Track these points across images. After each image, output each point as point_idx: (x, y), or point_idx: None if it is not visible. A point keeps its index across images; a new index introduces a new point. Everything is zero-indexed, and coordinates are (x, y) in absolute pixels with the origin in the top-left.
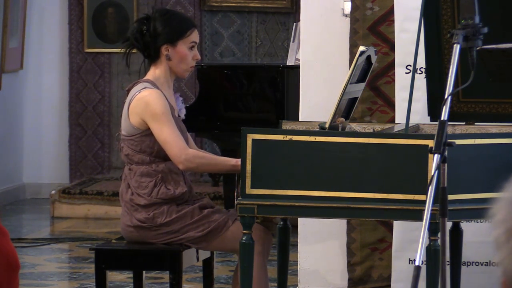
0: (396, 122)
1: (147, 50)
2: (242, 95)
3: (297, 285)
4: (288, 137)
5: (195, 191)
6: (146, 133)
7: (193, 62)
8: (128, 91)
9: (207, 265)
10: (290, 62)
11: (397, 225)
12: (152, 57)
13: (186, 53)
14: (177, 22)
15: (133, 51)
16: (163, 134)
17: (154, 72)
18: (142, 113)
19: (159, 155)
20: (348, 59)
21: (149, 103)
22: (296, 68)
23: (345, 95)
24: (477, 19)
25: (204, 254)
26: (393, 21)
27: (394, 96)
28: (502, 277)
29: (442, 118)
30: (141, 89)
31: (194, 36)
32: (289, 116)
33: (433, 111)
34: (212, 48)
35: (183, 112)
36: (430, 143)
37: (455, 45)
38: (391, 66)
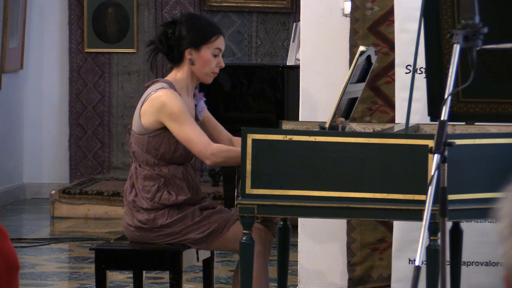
0: (396, 122)
1: (171, 53)
2: (242, 95)
3: (297, 285)
4: (288, 137)
5: None
6: (155, 134)
7: (217, 69)
8: (147, 87)
9: (207, 265)
10: (290, 62)
11: (397, 225)
12: (175, 61)
13: (209, 59)
14: (202, 27)
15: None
16: (185, 133)
17: (175, 75)
18: (157, 113)
19: (164, 158)
20: (348, 59)
21: (165, 103)
22: (296, 68)
23: (345, 95)
24: (477, 19)
25: (204, 254)
26: (393, 21)
27: (394, 96)
28: (504, 271)
29: (442, 118)
30: (157, 89)
31: (219, 42)
32: (289, 116)
33: (433, 111)
34: None
35: (203, 114)
36: (430, 143)
37: (455, 45)
38: (391, 66)
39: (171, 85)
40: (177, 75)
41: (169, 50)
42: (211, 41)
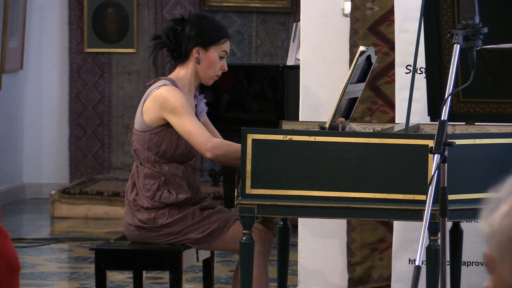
0: (396, 122)
1: (177, 49)
2: (242, 95)
3: (297, 285)
4: (288, 137)
5: None
6: (157, 131)
7: (220, 72)
8: (149, 86)
9: (207, 265)
10: (290, 62)
11: (397, 225)
12: (180, 58)
13: (216, 60)
14: (213, 28)
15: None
16: (186, 126)
17: (178, 73)
18: (159, 109)
19: (165, 155)
20: (348, 59)
21: (167, 98)
22: (296, 68)
23: (345, 95)
24: (477, 19)
25: (204, 254)
26: (393, 21)
27: (394, 96)
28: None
29: (442, 118)
30: (160, 86)
31: (226, 46)
32: (289, 116)
33: (433, 111)
34: None
35: (204, 115)
36: (430, 143)
37: (455, 45)
38: (391, 66)
39: (173, 83)
40: (180, 72)
41: (176, 46)
42: (220, 43)
